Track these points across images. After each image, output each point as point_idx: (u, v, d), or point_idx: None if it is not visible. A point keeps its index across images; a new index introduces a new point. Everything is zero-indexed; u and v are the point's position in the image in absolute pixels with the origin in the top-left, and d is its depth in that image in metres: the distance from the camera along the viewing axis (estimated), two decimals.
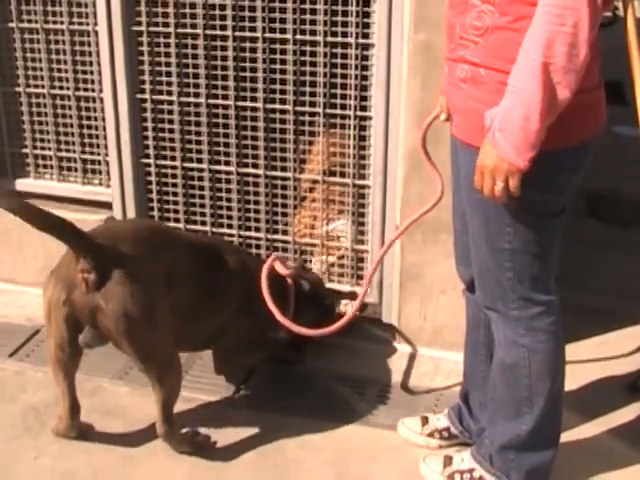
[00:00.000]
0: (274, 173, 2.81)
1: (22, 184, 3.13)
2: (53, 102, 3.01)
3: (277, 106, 2.72)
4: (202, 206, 2.91)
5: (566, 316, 1.99)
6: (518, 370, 1.98)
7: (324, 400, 2.55)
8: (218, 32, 2.69)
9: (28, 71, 3.01)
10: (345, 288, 2.84)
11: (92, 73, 2.91)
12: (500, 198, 1.71)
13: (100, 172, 3.05)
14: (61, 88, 2.99)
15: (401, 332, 2.78)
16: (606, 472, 2.23)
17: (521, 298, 1.91)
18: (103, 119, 2.92)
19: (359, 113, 2.64)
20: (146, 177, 2.93)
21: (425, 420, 2.38)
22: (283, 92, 2.70)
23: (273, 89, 2.70)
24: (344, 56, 2.60)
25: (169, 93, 2.81)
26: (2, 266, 3.18)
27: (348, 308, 2.78)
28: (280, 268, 2.56)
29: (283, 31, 2.63)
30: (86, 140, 3.02)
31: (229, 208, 2.89)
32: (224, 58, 2.71)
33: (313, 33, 2.60)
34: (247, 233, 2.90)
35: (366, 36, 2.56)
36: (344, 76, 2.62)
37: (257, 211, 2.87)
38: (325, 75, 2.63)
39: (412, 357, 2.76)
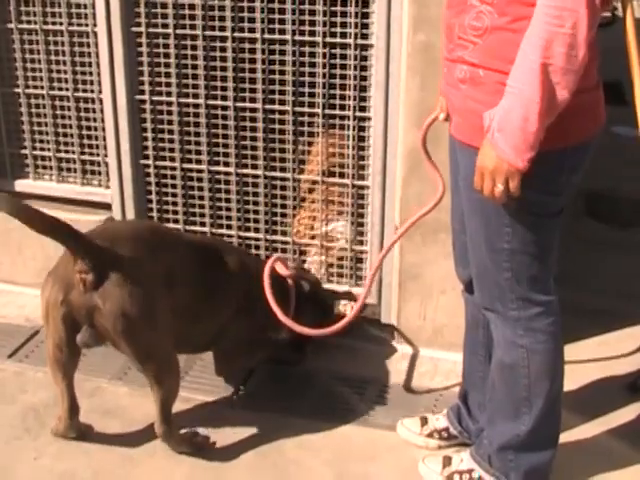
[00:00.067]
0: (273, 174, 2.81)
1: (21, 185, 3.14)
2: (52, 103, 3.02)
3: (276, 107, 2.72)
4: (201, 207, 2.92)
5: (566, 316, 1.99)
6: (517, 370, 1.98)
7: (324, 400, 2.55)
8: (217, 33, 2.69)
9: (27, 72, 3.01)
10: (344, 289, 2.84)
11: (91, 74, 2.92)
12: (500, 199, 1.71)
13: (99, 173, 3.05)
14: (60, 89, 2.99)
15: (401, 332, 2.78)
16: (606, 472, 2.23)
17: (520, 298, 1.91)
18: (102, 120, 2.93)
19: (358, 114, 2.65)
20: (145, 178, 2.93)
21: (424, 420, 2.38)
22: (282, 93, 2.70)
23: (272, 90, 2.71)
24: (343, 57, 2.60)
25: (168, 94, 2.81)
26: (1, 267, 3.18)
27: (347, 308, 2.78)
28: (281, 269, 2.56)
29: (282, 32, 2.63)
30: (85, 141, 3.03)
31: (228, 209, 2.89)
32: (223, 59, 2.71)
33: (312, 34, 2.60)
34: (246, 234, 2.90)
35: (365, 37, 2.57)
36: (343, 77, 2.62)
37: (256, 212, 2.87)
38: (324, 76, 2.63)
39: (411, 357, 2.76)
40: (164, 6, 2.71)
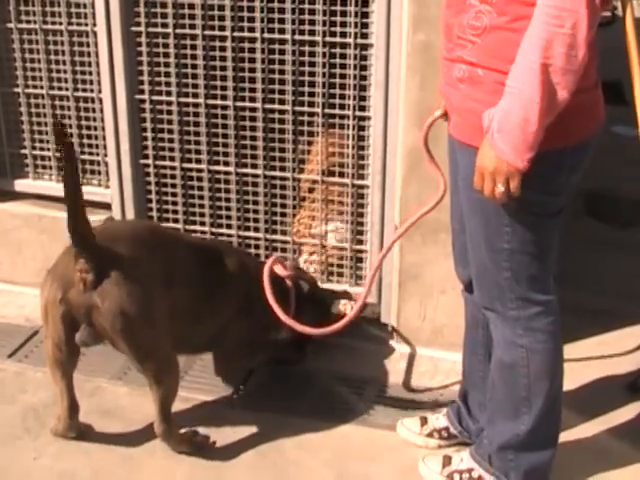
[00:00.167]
0: (273, 173, 2.81)
1: (21, 184, 3.14)
2: (52, 103, 3.02)
3: (276, 106, 2.72)
4: (201, 206, 2.92)
5: (565, 316, 1.99)
6: (517, 370, 1.98)
7: (323, 400, 2.55)
8: (217, 32, 2.69)
9: (27, 72, 3.01)
10: (344, 288, 2.84)
11: (91, 74, 2.92)
12: (500, 199, 1.71)
13: (99, 173, 3.05)
14: (60, 89, 2.99)
15: (400, 332, 2.78)
16: (605, 472, 2.23)
17: (519, 298, 1.91)
18: (102, 120, 2.93)
19: (358, 113, 2.65)
20: (145, 178, 2.93)
21: (424, 420, 2.37)
22: (282, 92, 2.70)
23: (272, 89, 2.71)
24: (343, 56, 2.60)
25: (168, 94, 2.81)
26: (1, 267, 3.18)
27: (347, 308, 2.78)
28: (279, 270, 2.56)
29: (282, 31, 2.63)
30: (85, 141, 3.02)
31: (228, 208, 2.89)
32: (223, 58, 2.71)
33: (312, 33, 2.60)
34: (246, 233, 2.90)
35: (365, 36, 2.56)
36: (343, 76, 2.62)
37: (256, 211, 2.87)
38: (324, 75, 2.63)
39: (411, 357, 2.76)
40: (164, 6, 2.71)
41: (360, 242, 2.80)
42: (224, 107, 2.77)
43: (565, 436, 2.19)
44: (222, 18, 2.67)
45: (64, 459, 2.30)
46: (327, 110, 2.67)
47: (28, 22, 2.94)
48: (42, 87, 3.00)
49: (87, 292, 2.05)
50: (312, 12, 2.58)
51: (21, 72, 3.01)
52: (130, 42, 2.76)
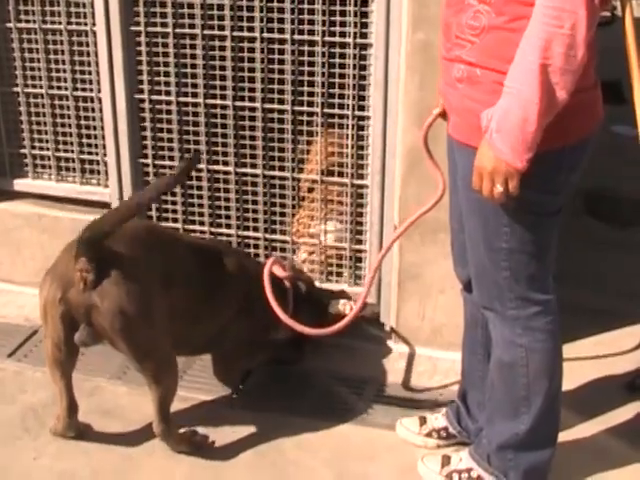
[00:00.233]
0: (272, 173, 2.81)
1: (20, 184, 3.14)
2: (51, 102, 3.02)
3: (275, 106, 2.72)
4: (200, 206, 2.92)
5: (565, 315, 1.99)
6: (516, 369, 1.98)
7: (322, 400, 2.55)
8: (216, 32, 2.69)
9: (26, 71, 3.01)
10: (343, 288, 2.84)
11: (90, 73, 2.92)
12: (499, 199, 1.71)
13: (98, 172, 3.05)
14: (59, 88, 2.99)
15: (399, 332, 2.78)
16: (604, 471, 2.23)
17: (518, 298, 1.91)
18: (101, 119, 2.92)
19: (357, 113, 2.64)
20: (144, 177, 2.93)
21: (423, 420, 2.37)
22: (281, 92, 2.70)
23: (271, 89, 2.70)
24: (342, 56, 2.60)
25: (167, 93, 2.81)
26: (1, 267, 3.18)
27: (347, 308, 2.78)
28: (278, 270, 2.57)
29: (281, 31, 2.63)
30: (84, 140, 3.02)
31: (227, 208, 2.89)
32: (222, 58, 2.71)
33: (311, 33, 2.60)
34: (245, 233, 2.90)
35: (364, 36, 2.56)
36: (342, 76, 2.62)
37: (255, 211, 2.87)
38: (323, 75, 2.63)
39: (410, 357, 2.76)
40: (163, 5, 2.70)
41: (359, 242, 2.80)
42: (223, 107, 2.77)
43: (564, 436, 2.19)
44: (221, 18, 2.67)
45: (64, 459, 2.30)
46: (326, 110, 2.67)
47: (27, 22, 2.94)
48: (41, 87, 3.00)
49: (86, 292, 2.05)
50: (311, 12, 2.58)
51: (20, 72, 3.01)
52: (129, 42, 2.76)
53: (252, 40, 2.67)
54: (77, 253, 2.05)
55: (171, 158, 2.88)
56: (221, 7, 2.66)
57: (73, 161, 3.06)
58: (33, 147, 3.11)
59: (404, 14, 2.43)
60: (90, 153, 3.03)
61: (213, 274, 2.41)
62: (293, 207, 2.85)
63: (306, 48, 2.62)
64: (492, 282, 1.92)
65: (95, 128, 2.98)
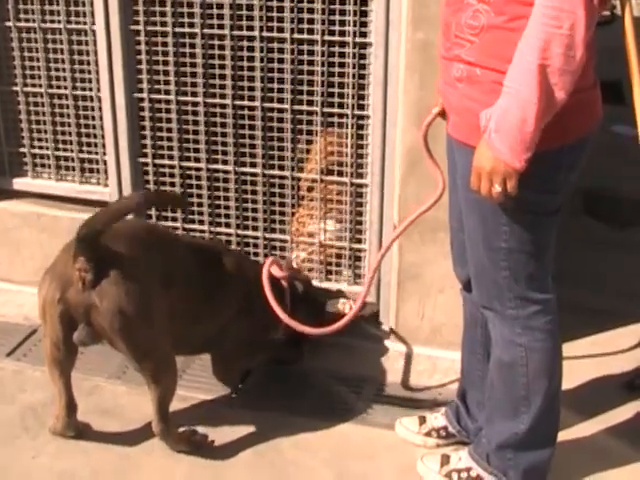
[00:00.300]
0: (272, 172, 2.81)
1: (20, 183, 3.14)
2: (51, 101, 3.01)
3: (275, 105, 2.72)
4: (200, 205, 2.92)
5: (564, 314, 1.99)
6: (515, 369, 1.98)
7: (322, 399, 2.55)
8: (216, 31, 2.69)
9: (26, 70, 3.01)
10: (343, 287, 2.84)
11: (90, 72, 2.91)
12: (498, 199, 1.71)
13: (98, 171, 3.05)
14: (59, 87, 2.99)
15: (399, 331, 2.78)
16: (604, 471, 2.23)
17: (517, 297, 1.90)
18: (101, 118, 2.92)
19: (357, 112, 2.64)
20: (144, 176, 2.93)
21: (423, 419, 2.37)
22: (281, 91, 2.70)
23: (271, 88, 2.70)
24: (342, 55, 2.60)
25: (167, 92, 2.81)
26: (0, 266, 3.18)
27: (347, 307, 2.78)
28: (275, 271, 2.57)
29: (281, 30, 2.63)
30: (84, 139, 3.02)
31: (227, 207, 2.89)
32: (222, 57, 2.71)
33: (311, 32, 2.60)
34: (245, 232, 2.90)
35: (364, 35, 2.56)
36: (342, 75, 2.62)
37: (255, 210, 2.87)
38: (323, 74, 2.63)
39: (410, 356, 2.76)
40: (162, 4, 2.70)
41: (359, 241, 2.80)
42: (223, 106, 2.77)
43: (563, 435, 2.19)
44: (221, 17, 2.67)
45: (63, 458, 2.30)
46: (326, 109, 2.67)
47: (27, 21, 2.94)
48: (41, 86, 3.00)
49: (86, 291, 2.05)
50: (311, 11, 2.58)
51: (20, 71, 3.01)
52: (129, 41, 2.76)
53: (252, 39, 2.67)
54: (75, 252, 2.05)
55: (170, 157, 2.88)
56: (220, 6, 2.65)
57: (72, 160, 3.06)
58: (32, 146, 3.11)
59: (404, 13, 2.43)
60: (89, 152, 3.03)
61: (212, 274, 2.42)
62: (293, 206, 2.85)
63: (306, 47, 2.62)
64: (491, 281, 1.92)
65: (95, 127, 2.98)
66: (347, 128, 2.67)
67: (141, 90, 2.82)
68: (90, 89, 2.94)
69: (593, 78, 1.78)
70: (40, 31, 2.93)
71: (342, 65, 2.61)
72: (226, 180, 2.86)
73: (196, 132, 2.82)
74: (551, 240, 1.89)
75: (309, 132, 2.73)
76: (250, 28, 2.65)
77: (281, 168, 2.79)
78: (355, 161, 2.70)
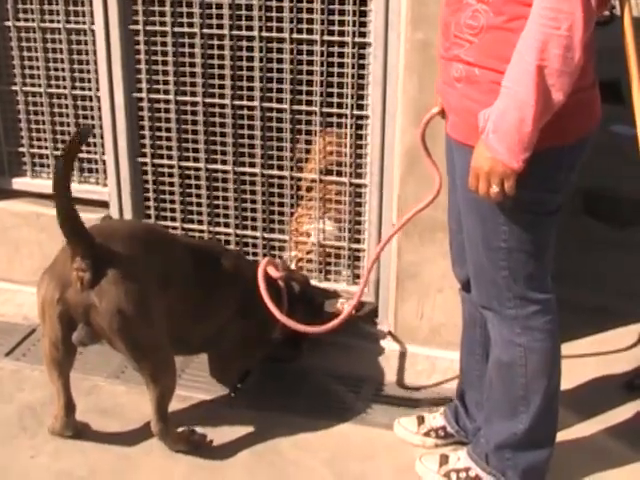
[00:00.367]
0: (271, 172, 2.81)
1: (19, 183, 3.13)
2: (50, 101, 3.01)
3: (274, 105, 2.72)
4: (199, 205, 2.92)
5: (563, 314, 1.99)
6: (514, 369, 1.98)
7: (320, 399, 2.55)
8: (215, 31, 2.69)
9: (25, 70, 3.01)
10: (341, 287, 2.84)
11: (89, 72, 2.92)
12: (496, 199, 1.71)
13: (97, 171, 3.05)
14: (58, 87, 2.99)
15: (398, 331, 2.78)
16: (603, 471, 2.23)
17: (517, 297, 1.90)
18: (100, 118, 2.92)
19: (356, 112, 2.64)
20: (143, 176, 2.93)
21: (421, 419, 2.37)
22: (280, 91, 2.70)
23: (270, 88, 2.70)
24: (341, 55, 2.60)
25: (166, 92, 2.81)
26: None
27: (345, 306, 2.78)
28: (272, 271, 2.57)
29: (280, 30, 2.63)
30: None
31: (226, 207, 2.89)
32: (221, 57, 2.71)
33: (310, 32, 2.60)
34: (244, 232, 2.90)
35: (363, 35, 2.56)
36: (341, 75, 2.62)
37: (254, 210, 2.87)
38: (322, 74, 2.63)
39: (409, 356, 2.76)
40: (162, 4, 2.70)
41: (358, 241, 2.80)
42: (222, 106, 2.77)
43: (562, 435, 2.19)
44: (220, 17, 2.67)
45: (61, 458, 2.30)
46: (325, 109, 2.67)
47: (26, 20, 2.94)
48: (40, 85, 3.00)
49: (84, 291, 2.05)
50: (310, 11, 2.58)
51: (19, 70, 3.01)
52: (128, 41, 2.76)
53: (251, 39, 2.67)
54: (73, 252, 2.05)
55: (169, 157, 2.88)
56: (220, 6, 2.65)
57: None
58: (31, 146, 3.11)
59: (403, 13, 2.43)
60: (89, 152, 3.03)
61: (210, 275, 2.42)
62: (292, 206, 2.85)
63: (305, 47, 2.62)
64: (490, 281, 1.92)
65: (94, 127, 2.97)
66: (346, 128, 2.67)
67: (140, 90, 2.82)
68: (89, 89, 2.94)
69: (592, 78, 1.78)
70: (39, 31, 2.93)
71: (341, 65, 2.61)
72: (225, 180, 2.86)
73: (195, 132, 2.82)
74: (550, 240, 1.89)
75: (308, 132, 2.73)
76: (249, 28, 2.65)
77: (280, 168, 2.79)
78: (354, 161, 2.70)
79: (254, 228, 2.89)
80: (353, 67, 2.59)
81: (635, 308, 2.99)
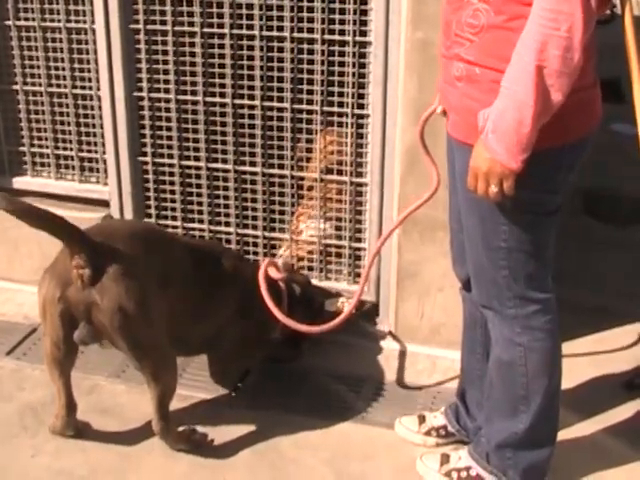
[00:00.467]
0: (271, 171, 2.81)
1: (19, 182, 3.13)
2: (50, 100, 3.01)
3: (275, 104, 2.72)
4: (199, 204, 2.92)
5: (563, 313, 1.99)
6: (515, 368, 1.98)
7: (321, 398, 2.55)
8: (215, 30, 2.69)
9: (25, 69, 3.01)
10: (342, 286, 2.84)
11: (89, 71, 2.91)
12: (494, 199, 1.71)
13: (97, 170, 3.05)
14: (58, 86, 2.99)
15: (398, 330, 2.78)
16: (603, 470, 2.23)
17: (517, 296, 1.90)
18: (100, 117, 2.92)
19: (356, 111, 2.64)
20: (143, 175, 2.93)
21: (422, 418, 2.37)
22: (280, 90, 2.70)
23: (270, 87, 2.70)
24: (341, 54, 2.60)
25: (166, 91, 2.81)
26: None
27: (345, 305, 2.79)
28: (272, 272, 2.57)
29: (281, 29, 2.62)
30: (83, 138, 3.02)
31: (226, 206, 2.89)
32: (221, 56, 2.71)
33: (311, 31, 2.60)
34: (244, 231, 2.90)
35: (363, 34, 2.56)
36: (341, 74, 2.62)
37: (254, 209, 2.87)
38: (322, 73, 2.63)
39: (409, 355, 2.76)
40: (162, 3, 2.70)
41: (358, 240, 2.80)
42: (222, 105, 2.77)
43: (562, 435, 2.19)
44: (220, 16, 2.67)
45: (62, 457, 2.30)
46: (325, 108, 2.67)
47: (27, 19, 2.94)
48: (41, 84, 3.00)
49: (86, 289, 2.05)
50: (311, 10, 2.58)
51: (20, 69, 3.01)
52: (129, 40, 2.76)
53: (251, 38, 2.66)
54: (70, 250, 2.05)
55: (170, 156, 2.88)
56: (220, 5, 2.65)
57: (72, 159, 3.06)
58: (32, 145, 3.11)
59: (403, 12, 2.43)
60: (89, 151, 3.03)
61: (210, 275, 2.42)
62: (292, 205, 2.85)
63: (305, 46, 2.62)
64: (491, 281, 1.92)
65: (94, 126, 2.98)
66: (347, 127, 2.67)
67: (141, 89, 2.82)
68: (90, 88, 2.94)
69: (593, 77, 1.78)
70: (40, 30, 2.93)
71: (342, 64, 2.60)
72: (226, 179, 2.86)
73: (196, 131, 2.82)
74: (550, 240, 1.89)
75: (309, 131, 2.73)
76: (250, 27, 2.65)
77: (281, 167, 2.79)
78: (355, 160, 2.70)
79: (255, 227, 2.89)
80: (354, 66, 2.59)
81: (635, 308, 2.99)
